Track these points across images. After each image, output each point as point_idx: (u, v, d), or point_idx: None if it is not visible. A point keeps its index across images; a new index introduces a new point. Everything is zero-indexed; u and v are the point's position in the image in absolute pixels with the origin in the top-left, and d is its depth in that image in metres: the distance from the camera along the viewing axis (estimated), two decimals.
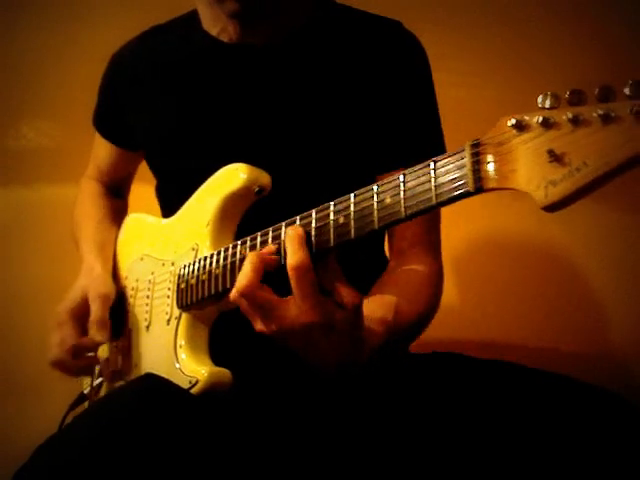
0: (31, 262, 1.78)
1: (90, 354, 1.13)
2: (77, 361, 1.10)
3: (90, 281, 1.16)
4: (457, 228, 1.36)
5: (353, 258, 0.91)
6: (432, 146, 1.14)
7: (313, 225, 0.83)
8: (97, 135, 1.36)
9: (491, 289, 1.67)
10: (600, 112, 0.58)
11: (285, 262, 0.82)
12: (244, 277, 0.83)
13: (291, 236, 0.82)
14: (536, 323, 1.63)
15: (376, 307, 0.95)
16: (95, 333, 1.09)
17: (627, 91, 0.59)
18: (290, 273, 0.81)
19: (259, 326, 0.85)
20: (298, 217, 0.85)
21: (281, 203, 0.99)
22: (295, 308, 0.82)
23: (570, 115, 0.60)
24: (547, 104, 0.64)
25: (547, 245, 1.64)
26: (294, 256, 0.81)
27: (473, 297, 1.67)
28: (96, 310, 1.11)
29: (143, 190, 1.28)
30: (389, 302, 0.98)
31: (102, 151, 1.36)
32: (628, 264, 1.61)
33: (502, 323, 1.65)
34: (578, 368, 0.99)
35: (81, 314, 1.12)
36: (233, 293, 0.85)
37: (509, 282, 1.67)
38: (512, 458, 0.85)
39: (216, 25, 1.16)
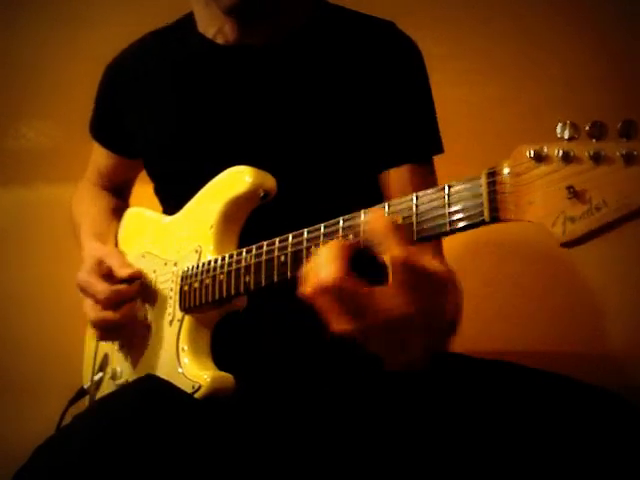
0: (29, 262, 1.76)
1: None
2: (118, 312, 1.06)
3: (98, 250, 1.15)
4: (457, 241, 1.34)
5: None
6: (430, 143, 1.15)
7: (321, 240, 0.81)
8: (95, 142, 1.34)
9: (491, 292, 1.67)
10: (623, 151, 0.57)
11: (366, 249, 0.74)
12: (329, 267, 0.71)
13: (384, 226, 0.72)
14: (536, 325, 1.63)
15: None
16: (125, 271, 1.07)
17: None
18: (393, 266, 0.70)
19: (342, 324, 0.72)
20: (306, 230, 0.84)
21: (283, 206, 0.99)
22: (393, 300, 0.70)
23: (592, 151, 0.59)
24: (566, 135, 0.63)
25: (547, 247, 1.63)
26: (397, 247, 0.70)
27: (474, 300, 1.67)
28: (116, 262, 1.09)
29: (143, 190, 1.27)
30: None
31: (100, 158, 1.34)
32: (629, 265, 1.61)
33: (502, 325, 1.65)
34: (579, 369, 0.99)
35: (102, 272, 1.09)
36: (311, 288, 0.73)
37: (509, 285, 1.67)
38: (512, 458, 0.85)
39: (212, 26, 1.14)
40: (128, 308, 1.06)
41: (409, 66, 1.14)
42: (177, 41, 1.19)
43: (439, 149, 1.16)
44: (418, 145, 1.13)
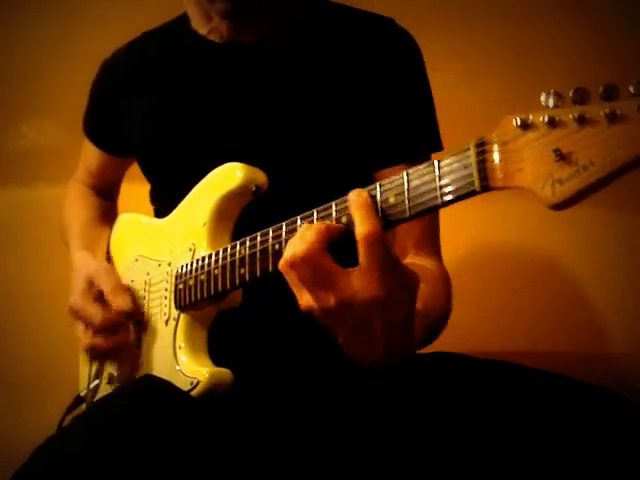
0: (30, 262, 1.77)
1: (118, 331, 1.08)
2: (110, 339, 1.06)
3: (87, 267, 1.15)
4: (457, 241, 1.35)
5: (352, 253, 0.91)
6: (427, 142, 1.15)
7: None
8: (86, 140, 1.35)
9: (491, 298, 1.68)
10: (606, 111, 0.59)
11: (352, 231, 0.75)
12: (307, 242, 0.75)
13: (359, 202, 0.75)
14: (536, 326, 1.64)
15: None
16: (116, 301, 1.06)
17: (632, 89, 0.59)
18: (361, 242, 0.73)
19: (311, 301, 0.77)
20: (299, 217, 0.85)
21: (278, 202, 0.99)
22: (359, 281, 0.74)
23: (576, 114, 0.61)
24: (550, 103, 0.64)
25: (549, 250, 1.64)
26: (365, 224, 0.74)
27: (475, 302, 1.68)
28: (107, 282, 1.09)
29: (138, 190, 1.27)
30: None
31: (92, 156, 1.35)
32: (627, 266, 1.62)
33: (503, 326, 1.66)
34: (578, 369, 0.99)
35: (95, 296, 1.09)
36: (285, 260, 0.77)
37: (509, 289, 1.68)
38: (513, 458, 0.84)
39: (206, 25, 1.15)
40: (120, 335, 1.07)
41: (407, 63, 1.14)
42: (172, 40, 1.20)
43: (438, 147, 1.15)
44: (415, 145, 1.13)
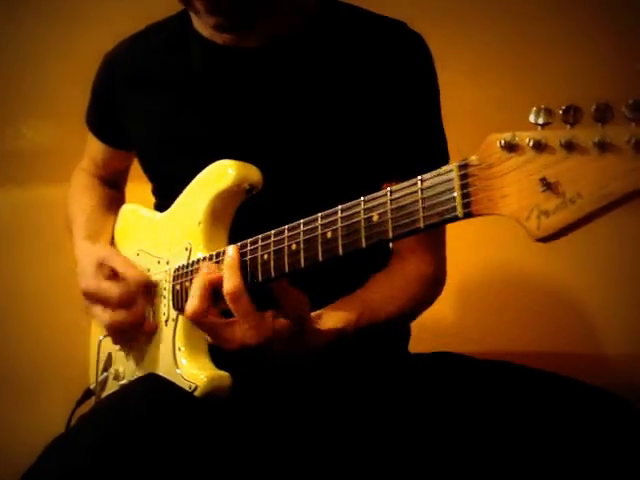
0: (29, 262, 1.77)
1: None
2: (130, 312, 1.05)
3: (92, 253, 1.14)
4: (462, 257, 1.32)
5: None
6: (436, 154, 1.10)
7: (301, 238, 0.79)
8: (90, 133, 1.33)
9: (492, 299, 1.70)
10: (596, 140, 0.53)
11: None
12: (191, 305, 0.87)
13: (226, 262, 0.87)
14: (535, 332, 1.65)
15: (343, 305, 0.98)
16: (130, 273, 1.06)
17: (626, 112, 0.54)
18: (226, 298, 0.85)
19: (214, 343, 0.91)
20: (286, 227, 0.82)
21: (277, 203, 0.98)
22: (239, 331, 0.86)
23: (563, 140, 0.55)
24: (540, 120, 0.59)
25: (544, 253, 1.61)
26: (228, 282, 0.85)
27: (474, 307, 1.69)
28: (117, 260, 1.09)
29: (142, 189, 1.25)
30: (356, 305, 0.99)
31: (96, 148, 1.33)
32: (624, 268, 1.61)
33: (505, 330, 1.67)
34: (580, 370, 0.98)
35: (107, 275, 1.09)
36: (185, 315, 0.89)
37: (509, 292, 1.69)
38: (513, 458, 0.84)
39: (206, 28, 1.10)
40: (140, 306, 1.06)
41: (417, 66, 1.09)
42: (175, 38, 1.15)
43: (444, 157, 1.11)
44: (423, 162, 1.08)
